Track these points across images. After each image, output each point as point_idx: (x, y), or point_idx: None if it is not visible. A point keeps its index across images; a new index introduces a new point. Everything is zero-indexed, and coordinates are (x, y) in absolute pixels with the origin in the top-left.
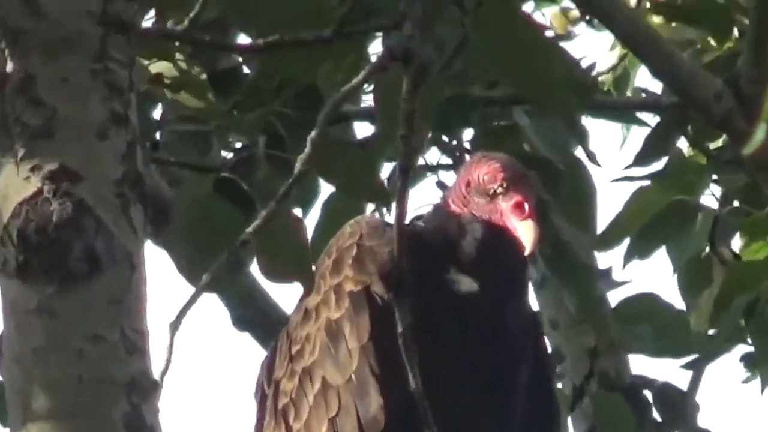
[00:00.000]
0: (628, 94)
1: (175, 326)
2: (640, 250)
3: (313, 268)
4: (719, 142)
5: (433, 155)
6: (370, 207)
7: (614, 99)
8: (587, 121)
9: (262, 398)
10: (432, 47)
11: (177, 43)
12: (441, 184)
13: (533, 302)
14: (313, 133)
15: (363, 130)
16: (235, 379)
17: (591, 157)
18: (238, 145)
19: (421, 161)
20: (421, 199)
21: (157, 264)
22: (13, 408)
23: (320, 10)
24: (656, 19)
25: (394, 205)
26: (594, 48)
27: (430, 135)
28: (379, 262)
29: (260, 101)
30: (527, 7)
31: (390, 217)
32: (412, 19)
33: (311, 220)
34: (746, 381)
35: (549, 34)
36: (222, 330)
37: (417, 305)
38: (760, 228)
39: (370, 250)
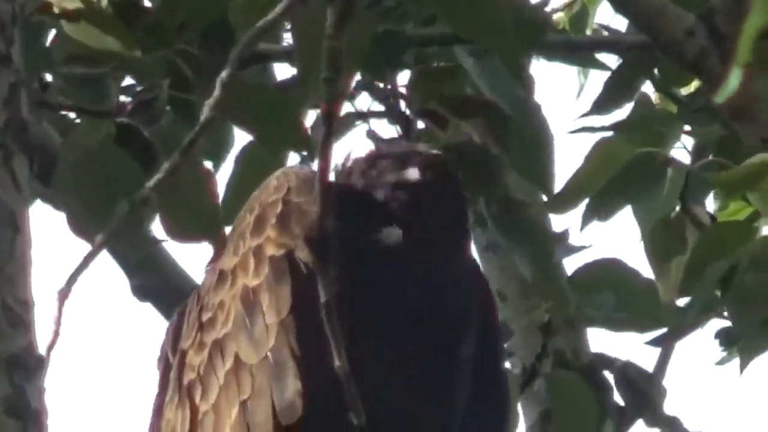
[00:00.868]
0: (588, 33)
1: (64, 295)
2: (600, 210)
3: (226, 228)
4: (691, 88)
5: (363, 101)
6: (292, 159)
7: (569, 38)
8: (539, 65)
9: (165, 368)
10: None
11: None
12: (372, 134)
13: None
14: (223, 74)
15: (283, 71)
16: (135, 354)
17: (535, 109)
18: (139, 88)
19: (349, 108)
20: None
21: (45, 223)
22: None
23: None
24: None
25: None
26: None
27: (358, 77)
28: (306, 223)
29: (162, 39)
30: None
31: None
32: None
33: (223, 175)
34: (721, 362)
35: None
36: (120, 300)
37: (343, 273)
38: (739, 184)
39: (297, 208)
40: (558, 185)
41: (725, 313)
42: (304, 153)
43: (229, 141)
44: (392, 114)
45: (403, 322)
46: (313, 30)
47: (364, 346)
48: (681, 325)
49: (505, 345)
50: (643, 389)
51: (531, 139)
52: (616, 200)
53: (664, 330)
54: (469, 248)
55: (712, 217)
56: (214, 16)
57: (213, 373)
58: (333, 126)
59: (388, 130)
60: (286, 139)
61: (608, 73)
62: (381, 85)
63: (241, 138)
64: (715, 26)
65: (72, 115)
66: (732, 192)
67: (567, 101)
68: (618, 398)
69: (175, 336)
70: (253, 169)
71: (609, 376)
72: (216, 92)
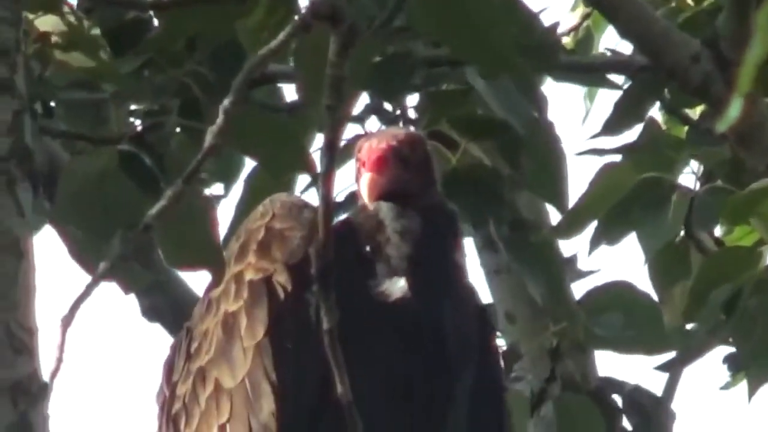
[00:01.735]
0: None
1: (67, 321)
2: (608, 235)
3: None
4: (698, 111)
5: (372, 124)
6: (301, 181)
7: (580, 59)
8: (548, 86)
9: (162, 403)
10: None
11: None
12: None
13: (486, 293)
14: (226, 101)
15: (292, 92)
16: (145, 376)
17: (549, 128)
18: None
19: (359, 130)
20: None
21: (49, 248)
22: None
23: None
24: None
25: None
26: (553, 7)
27: (369, 101)
28: (287, 248)
29: (172, 61)
30: None
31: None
32: None
33: (234, 197)
34: (726, 387)
35: None
36: (130, 321)
37: (338, 305)
38: (743, 210)
39: (278, 234)
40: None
41: (731, 339)
42: (309, 176)
43: (239, 163)
44: None
45: (399, 354)
46: (316, 56)
47: (358, 375)
48: (688, 348)
49: (514, 368)
50: (652, 413)
51: (544, 157)
52: (623, 225)
53: (673, 354)
54: (469, 285)
55: (718, 242)
56: (222, 38)
57: (195, 400)
58: (335, 153)
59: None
60: (289, 164)
61: (615, 96)
62: (390, 107)
63: (250, 160)
64: (720, 51)
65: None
66: (736, 218)
67: (573, 125)
68: (626, 422)
69: (168, 370)
70: (262, 191)
71: (618, 399)
72: (219, 119)
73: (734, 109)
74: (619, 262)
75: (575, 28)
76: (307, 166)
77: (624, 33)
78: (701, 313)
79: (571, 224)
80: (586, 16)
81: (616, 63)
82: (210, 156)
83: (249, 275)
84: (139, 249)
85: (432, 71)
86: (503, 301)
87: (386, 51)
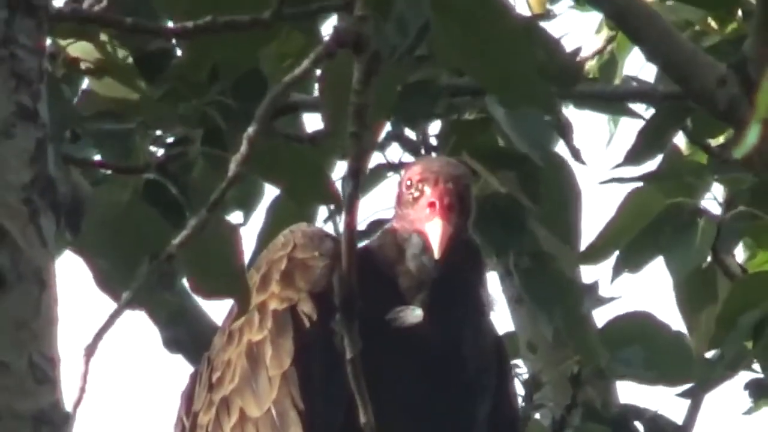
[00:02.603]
0: (616, 82)
1: (90, 351)
2: (630, 261)
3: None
4: (721, 139)
5: (394, 152)
6: (323, 210)
7: (602, 88)
8: (570, 113)
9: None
10: (391, 28)
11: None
12: None
13: (508, 321)
14: (249, 130)
15: (315, 122)
16: (167, 406)
17: (575, 154)
18: (171, 140)
19: (381, 159)
20: (380, 202)
21: (72, 279)
22: None
23: None
24: None
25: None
26: (577, 30)
27: (390, 128)
28: (310, 277)
29: (196, 89)
30: None
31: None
32: None
33: (254, 225)
34: (748, 412)
35: (523, 12)
36: (152, 352)
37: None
38: None
39: (301, 264)
40: (588, 236)
41: (755, 365)
42: (332, 206)
43: (259, 191)
44: None
45: (418, 382)
46: (340, 84)
47: (379, 403)
48: (711, 377)
49: (535, 396)
50: None
51: (559, 194)
52: (646, 251)
53: (694, 381)
54: (484, 314)
55: (743, 268)
56: (245, 66)
57: (220, 429)
58: (359, 181)
59: None
60: (313, 193)
61: (638, 124)
62: (412, 135)
63: (271, 188)
64: (747, 74)
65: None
66: (762, 242)
67: (597, 149)
68: None
69: (188, 400)
70: (284, 220)
71: (639, 426)
72: (243, 147)
73: (752, 135)
74: (643, 289)
75: (600, 51)
76: (331, 196)
77: (650, 56)
78: (728, 338)
79: (597, 250)
80: (610, 39)
81: (639, 92)
82: (234, 184)
83: (273, 305)
84: (163, 277)
85: (454, 100)
86: (525, 329)
87: (409, 79)
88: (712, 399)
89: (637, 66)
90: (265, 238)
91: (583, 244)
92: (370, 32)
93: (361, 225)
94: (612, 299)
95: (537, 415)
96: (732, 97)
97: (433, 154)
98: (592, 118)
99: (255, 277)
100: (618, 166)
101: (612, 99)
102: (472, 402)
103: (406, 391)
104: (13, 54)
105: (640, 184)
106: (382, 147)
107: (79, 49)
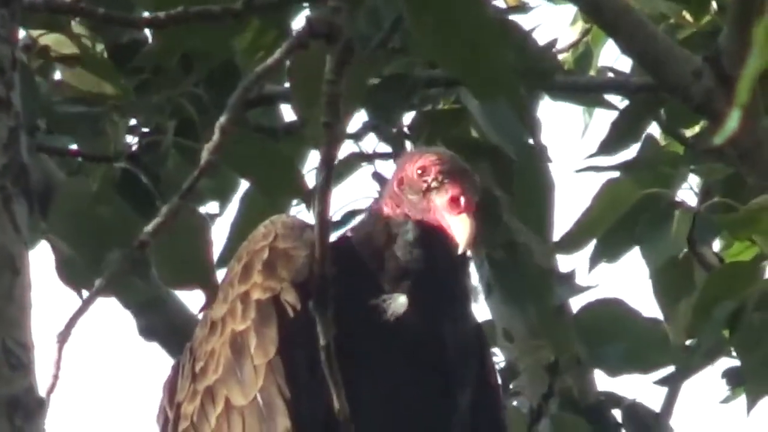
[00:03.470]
0: (592, 74)
1: (63, 338)
2: (608, 251)
3: (218, 274)
4: (696, 128)
5: (369, 142)
6: (295, 202)
7: (577, 79)
8: (546, 105)
9: (164, 423)
10: (365, 20)
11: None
12: (378, 176)
13: (484, 309)
14: (222, 119)
15: (289, 113)
16: (142, 395)
17: (542, 152)
18: (144, 130)
19: (355, 149)
20: (355, 192)
21: (45, 265)
22: None
23: None
24: None
25: (316, 202)
26: (552, 22)
27: (367, 119)
28: (293, 267)
29: (169, 81)
30: None
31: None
32: None
33: (229, 215)
34: (726, 400)
35: (498, 5)
36: (127, 340)
37: (338, 320)
38: (745, 225)
39: (283, 254)
40: (563, 226)
41: (733, 353)
42: (300, 199)
43: (234, 182)
44: (398, 156)
45: (399, 373)
46: (312, 75)
47: (358, 394)
48: (689, 365)
49: (512, 384)
50: (651, 429)
51: (533, 186)
52: (623, 242)
53: (672, 369)
54: (469, 305)
55: (719, 258)
56: (219, 58)
57: (205, 418)
58: (332, 170)
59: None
60: (282, 186)
61: (614, 113)
62: (387, 126)
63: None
64: (722, 67)
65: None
66: (738, 233)
67: (572, 139)
68: None
69: (170, 390)
70: (257, 210)
71: (616, 414)
72: (215, 137)
73: (733, 121)
74: (621, 278)
75: (575, 44)
76: (300, 190)
77: (625, 49)
78: (705, 328)
79: (573, 239)
80: (585, 32)
81: (614, 83)
82: (206, 173)
83: (256, 295)
84: (137, 265)
85: (428, 92)
86: (501, 318)
87: (383, 72)
88: (689, 387)
89: (612, 58)
90: (239, 227)
91: (558, 234)
92: (343, 23)
93: (335, 216)
94: (589, 288)
95: (514, 403)
96: (707, 90)
97: (408, 145)
98: (567, 108)
99: (236, 268)
100: (593, 155)
101: (587, 90)
102: (454, 389)
103: (388, 379)
104: None
105: (616, 173)
106: (357, 137)
107: (52, 39)
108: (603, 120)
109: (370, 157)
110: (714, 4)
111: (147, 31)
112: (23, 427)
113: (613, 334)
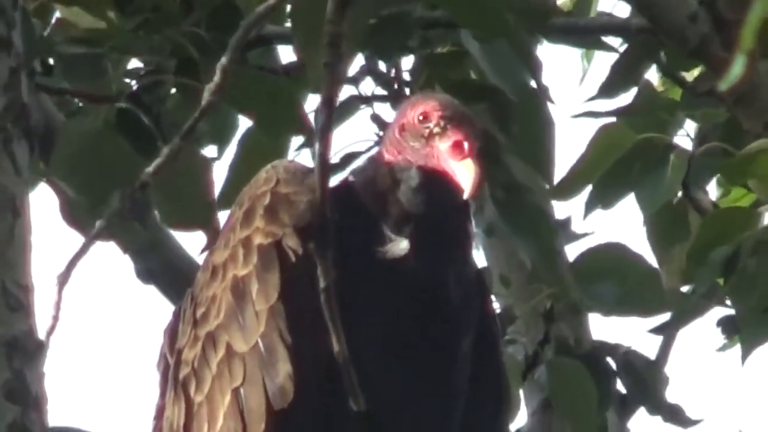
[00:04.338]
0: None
1: (63, 279)
2: (603, 197)
3: (220, 216)
4: (695, 73)
5: (367, 85)
6: (295, 144)
7: (575, 21)
8: (545, 48)
9: (164, 369)
10: None
11: None
12: (376, 118)
13: (481, 256)
14: (223, 59)
15: (288, 53)
16: (139, 338)
17: (543, 92)
18: (144, 70)
19: (354, 91)
20: (353, 135)
21: (45, 207)
22: None
23: None
24: None
25: (317, 142)
26: None
27: (364, 62)
28: (294, 212)
29: (169, 20)
30: None
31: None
32: None
33: (227, 158)
34: (722, 348)
35: None
36: (123, 282)
37: (339, 264)
38: (740, 170)
39: (285, 199)
40: (560, 171)
41: (727, 302)
42: (305, 138)
43: (233, 124)
44: (396, 99)
45: (401, 317)
46: (313, 15)
47: (359, 339)
48: (684, 310)
49: (508, 331)
50: (646, 377)
51: (533, 125)
52: (619, 187)
53: (667, 317)
54: (470, 250)
55: (714, 204)
56: None
57: (206, 364)
58: (333, 110)
59: (392, 114)
60: (286, 125)
61: (613, 57)
62: (385, 69)
63: (245, 121)
64: (718, 12)
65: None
66: (734, 179)
67: (570, 85)
68: (620, 385)
69: (171, 336)
70: (256, 152)
71: (611, 362)
72: (216, 77)
73: (737, 67)
74: (616, 224)
75: None
76: (303, 126)
77: None
78: (700, 273)
79: (569, 186)
80: None
81: (613, 25)
82: (207, 113)
83: (258, 240)
84: (135, 208)
85: (427, 33)
86: (497, 263)
87: (382, 12)
88: (684, 336)
89: (611, 3)
90: (237, 171)
91: (557, 178)
92: None
93: (334, 158)
94: (585, 235)
95: (510, 350)
96: (703, 35)
97: (406, 89)
98: (566, 54)
99: (238, 213)
100: (591, 98)
101: (585, 32)
102: (455, 334)
103: (389, 323)
104: None
105: (613, 118)
106: (355, 81)
107: None
108: (601, 67)
109: (368, 100)
110: None
111: None
112: (22, 368)
113: (609, 275)
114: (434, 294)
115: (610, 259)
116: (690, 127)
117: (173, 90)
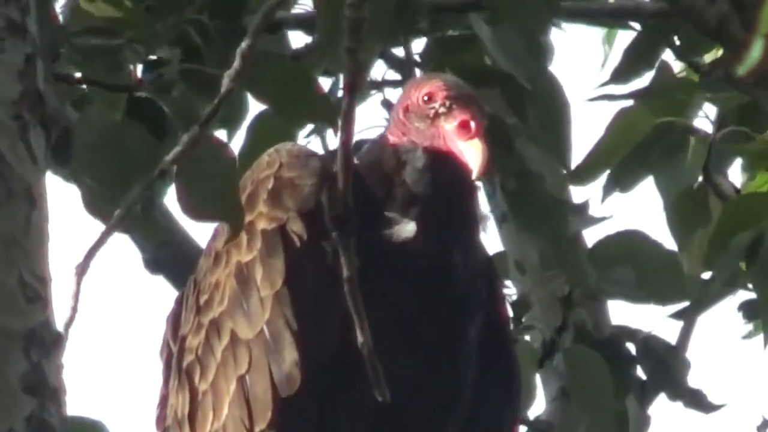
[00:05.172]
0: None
1: (82, 270)
2: (621, 181)
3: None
4: (712, 55)
5: (378, 70)
6: (302, 132)
7: (589, 5)
8: (566, 32)
9: (168, 357)
10: None
11: None
12: (387, 103)
13: (497, 241)
14: (243, 44)
15: (297, 39)
16: (147, 326)
17: (555, 80)
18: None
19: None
20: (364, 120)
21: (62, 197)
22: None
23: None
24: None
25: (339, 130)
26: None
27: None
28: (298, 196)
29: (173, 7)
30: None
31: (333, 141)
32: None
33: (235, 144)
34: (748, 336)
35: None
36: (130, 273)
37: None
38: (762, 154)
39: (289, 183)
40: (578, 156)
41: (749, 285)
42: (325, 122)
43: (243, 109)
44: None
45: (409, 302)
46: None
47: (371, 323)
48: (704, 298)
49: (524, 318)
50: (666, 362)
51: (548, 110)
52: (637, 171)
53: (687, 302)
54: (478, 233)
55: (736, 189)
56: None
57: (210, 352)
58: (355, 97)
59: None
60: (309, 111)
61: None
62: (396, 52)
63: (254, 107)
64: None
65: (84, 87)
66: (755, 163)
67: (592, 71)
68: (640, 371)
69: (174, 324)
70: (265, 138)
71: (631, 348)
72: (236, 63)
73: (756, 50)
74: (635, 210)
75: None
76: (325, 109)
77: None
78: (721, 260)
79: (586, 171)
80: None
81: (627, 9)
82: (227, 99)
83: (262, 225)
84: (149, 199)
85: (438, 17)
86: (513, 249)
87: None
88: (706, 320)
89: None
90: (247, 156)
91: (574, 163)
92: None
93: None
94: (603, 219)
95: (527, 337)
96: (722, 15)
97: (417, 72)
98: (587, 38)
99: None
100: (606, 83)
101: (599, 16)
102: (463, 319)
103: (396, 308)
104: None
105: (630, 102)
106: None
107: None
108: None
109: (379, 85)
110: None
111: None
112: (40, 361)
113: (627, 262)
114: (442, 276)
115: (629, 246)
116: (709, 109)
117: (179, 79)
